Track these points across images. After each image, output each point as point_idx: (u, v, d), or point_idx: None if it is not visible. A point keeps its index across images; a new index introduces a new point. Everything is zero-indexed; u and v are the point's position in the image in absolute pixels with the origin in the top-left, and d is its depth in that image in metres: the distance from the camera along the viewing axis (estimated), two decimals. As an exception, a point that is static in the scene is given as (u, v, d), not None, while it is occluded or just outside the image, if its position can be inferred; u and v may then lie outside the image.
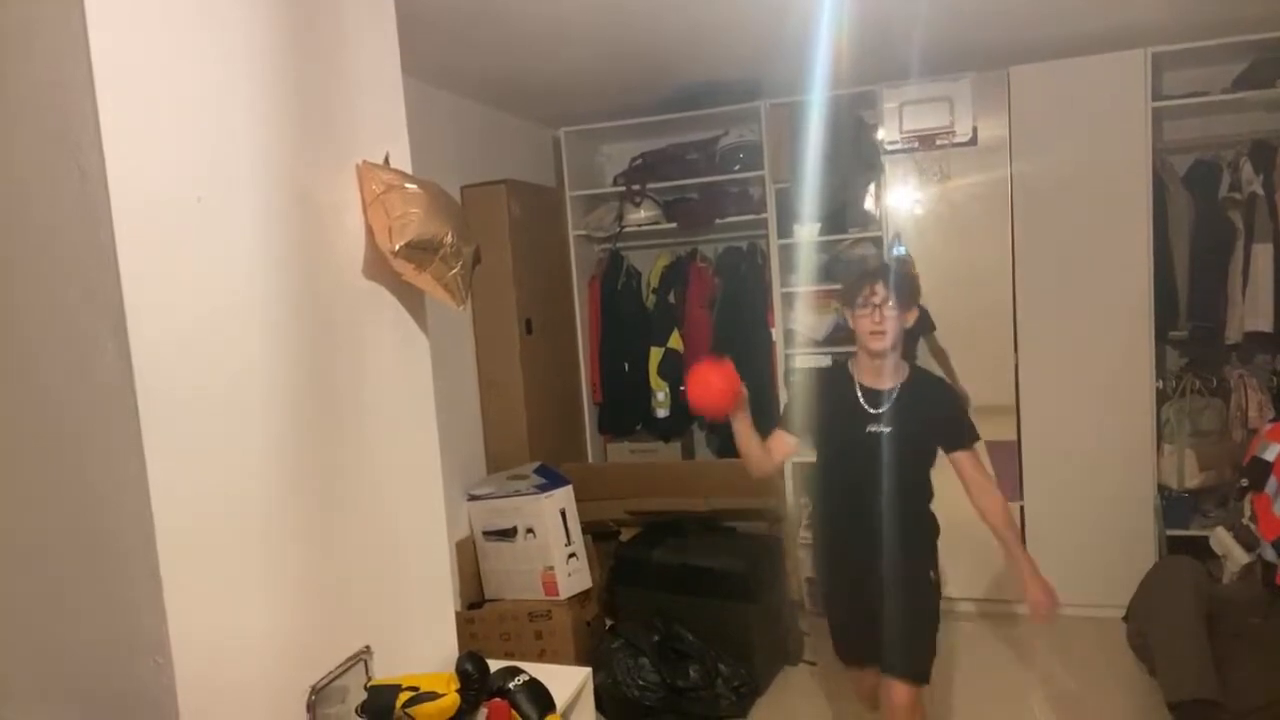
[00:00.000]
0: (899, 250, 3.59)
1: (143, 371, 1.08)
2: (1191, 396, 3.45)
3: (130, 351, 1.07)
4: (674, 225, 3.95)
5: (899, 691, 2.13)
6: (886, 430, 2.14)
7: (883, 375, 2.18)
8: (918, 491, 2.21)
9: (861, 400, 2.18)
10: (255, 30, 1.32)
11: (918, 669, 2.16)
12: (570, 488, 3.24)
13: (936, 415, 2.19)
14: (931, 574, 2.23)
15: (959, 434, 2.18)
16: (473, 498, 3.27)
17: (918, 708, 2.15)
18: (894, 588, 2.17)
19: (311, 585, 1.39)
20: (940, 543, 2.26)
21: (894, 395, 2.16)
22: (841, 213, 3.74)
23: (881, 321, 2.11)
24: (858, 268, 3.70)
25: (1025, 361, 3.49)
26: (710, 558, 3.23)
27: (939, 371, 3.29)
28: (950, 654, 3.31)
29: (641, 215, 3.96)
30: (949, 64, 3.42)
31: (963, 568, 3.60)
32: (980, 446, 2.23)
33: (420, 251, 1.50)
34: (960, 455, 2.15)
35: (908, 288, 2.21)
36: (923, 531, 2.24)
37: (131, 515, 1.10)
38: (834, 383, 2.28)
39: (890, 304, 2.12)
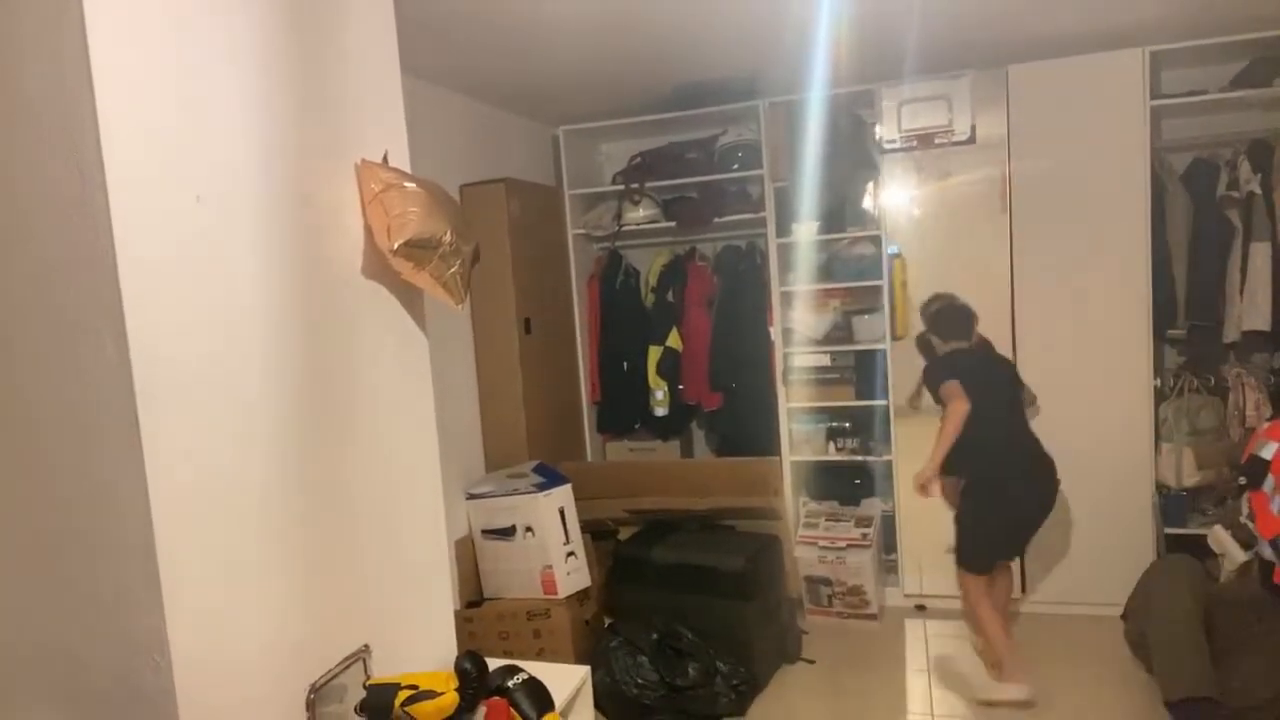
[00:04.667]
0: (893, 250, 3.60)
1: (141, 371, 1.08)
2: (1189, 395, 3.45)
3: (129, 351, 1.07)
4: (673, 224, 3.95)
5: None
6: None
7: None
8: None
9: None
10: (254, 29, 1.32)
11: None
12: (569, 486, 3.24)
13: None
14: None
15: None
16: (471, 496, 3.27)
17: None
18: None
19: (311, 584, 1.39)
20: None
21: None
22: (840, 211, 3.74)
23: None
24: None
25: (1023, 359, 3.49)
26: (709, 556, 3.23)
27: None
28: (947, 652, 3.32)
29: (640, 214, 3.96)
30: (947, 63, 3.42)
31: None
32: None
33: (419, 250, 1.50)
34: None
35: None
36: None
37: (130, 515, 1.10)
38: None
39: None
